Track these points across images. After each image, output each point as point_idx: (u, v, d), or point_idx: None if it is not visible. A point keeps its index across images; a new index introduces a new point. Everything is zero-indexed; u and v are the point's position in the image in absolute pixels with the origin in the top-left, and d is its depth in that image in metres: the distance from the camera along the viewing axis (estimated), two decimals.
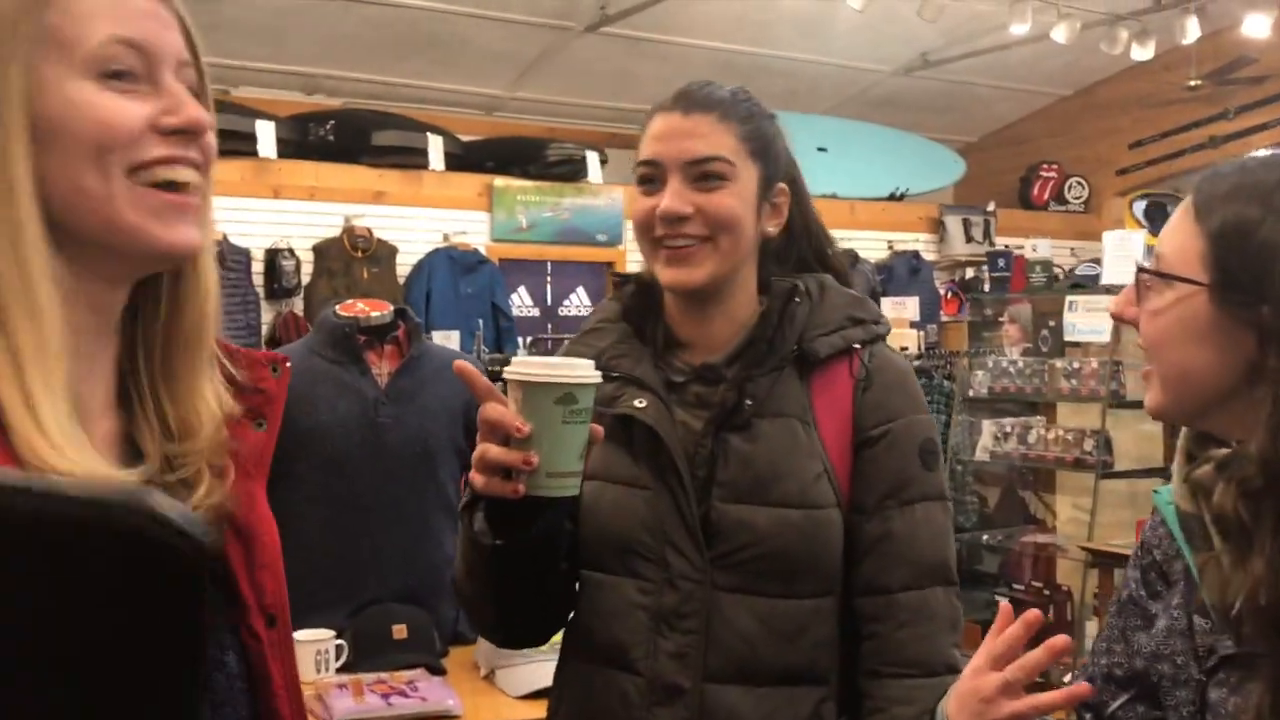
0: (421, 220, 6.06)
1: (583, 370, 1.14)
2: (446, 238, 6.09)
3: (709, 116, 1.35)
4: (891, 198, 6.90)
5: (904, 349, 6.30)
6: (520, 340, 6.25)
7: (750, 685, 1.30)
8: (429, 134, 5.97)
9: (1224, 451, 0.97)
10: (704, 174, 1.34)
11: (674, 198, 1.33)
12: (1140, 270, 1.02)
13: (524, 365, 1.14)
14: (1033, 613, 1.11)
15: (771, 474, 1.32)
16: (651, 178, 1.36)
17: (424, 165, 5.95)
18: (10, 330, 0.74)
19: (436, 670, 2.23)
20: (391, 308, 2.63)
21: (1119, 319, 1.05)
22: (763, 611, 1.30)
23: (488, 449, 1.14)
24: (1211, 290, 0.94)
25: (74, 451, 0.74)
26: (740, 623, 1.30)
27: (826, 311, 1.39)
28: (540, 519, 1.19)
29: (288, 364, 0.93)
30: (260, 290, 5.72)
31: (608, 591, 1.34)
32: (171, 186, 0.81)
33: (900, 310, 6.21)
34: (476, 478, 1.16)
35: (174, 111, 0.81)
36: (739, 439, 1.34)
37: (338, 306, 2.61)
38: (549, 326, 6.42)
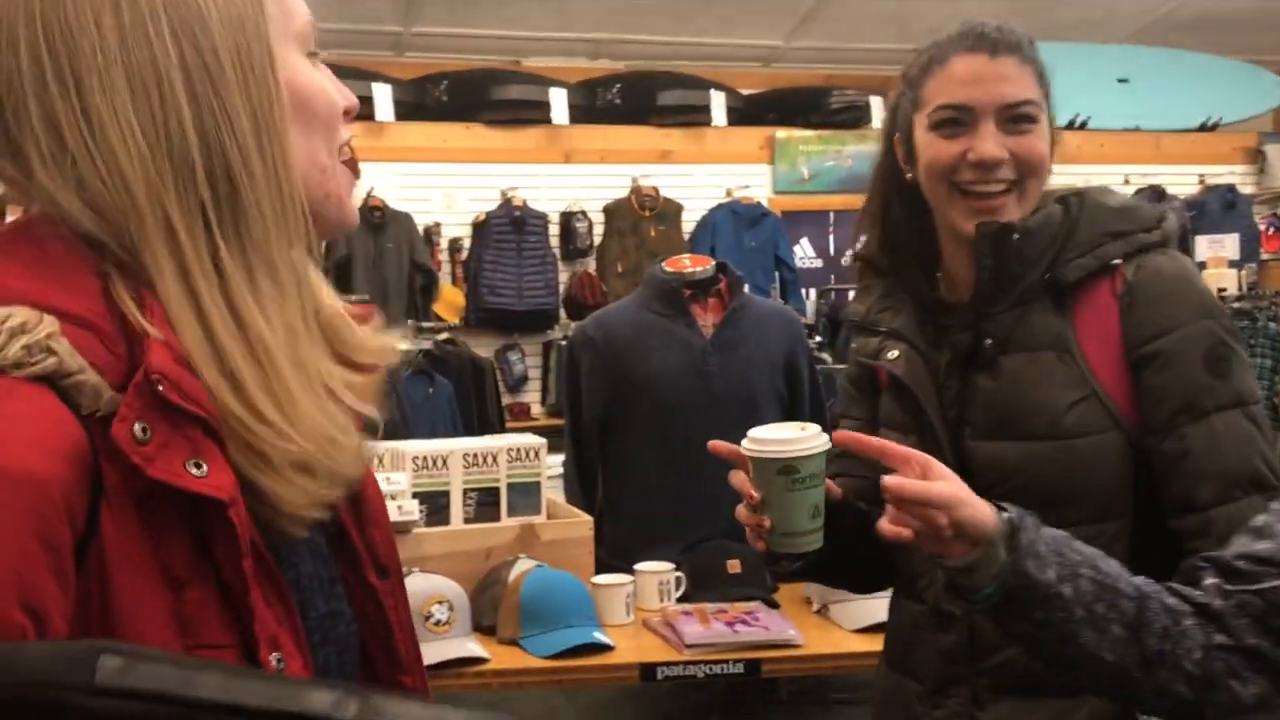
0: (705, 176, 6.19)
1: (806, 443, 1.23)
2: (729, 193, 6.19)
3: (1013, 58, 1.33)
4: (1202, 128, 6.42)
5: (1222, 290, 5.87)
6: (803, 292, 6.29)
7: None
8: (711, 90, 6.07)
9: None
10: (1015, 117, 1.32)
11: (990, 143, 1.32)
12: None
13: (758, 436, 1.26)
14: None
15: (1016, 409, 1.32)
16: (958, 121, 1.34)
17: (707, 122, 6.06)
18: (288, 300, 0.75)
19: (771, 604, 2.34)
20: (713, 262, 2.74)
21: None
22: None
23: (738, 509, 1.28)
24: None
25: (331, 438, 0.74)
26: None
27: (1084, 230, 1.35)
28: (807, 557, 1.30)
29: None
30: (557, 251, 6.03)
31: None
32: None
33: (1217, 249, 5.79)
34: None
35: (342, 92, 0.82)
36: (984, 377, 1.34)
37: (663, 263, 2.75)
38: (832, 277, 6.41)
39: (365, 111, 5.36)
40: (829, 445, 1.27)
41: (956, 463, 1.34)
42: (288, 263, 0.75)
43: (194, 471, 0.67)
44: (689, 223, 6.18)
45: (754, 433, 1.27)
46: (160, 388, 0.67)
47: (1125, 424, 1.31)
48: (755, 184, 6.20)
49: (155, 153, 0.70)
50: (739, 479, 1.29)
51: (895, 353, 1.42)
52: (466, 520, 2.39)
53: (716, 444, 1.29)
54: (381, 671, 0.88)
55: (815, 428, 1.28)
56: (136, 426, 0.66)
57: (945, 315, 1.40)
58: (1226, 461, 1.28)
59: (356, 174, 0.84)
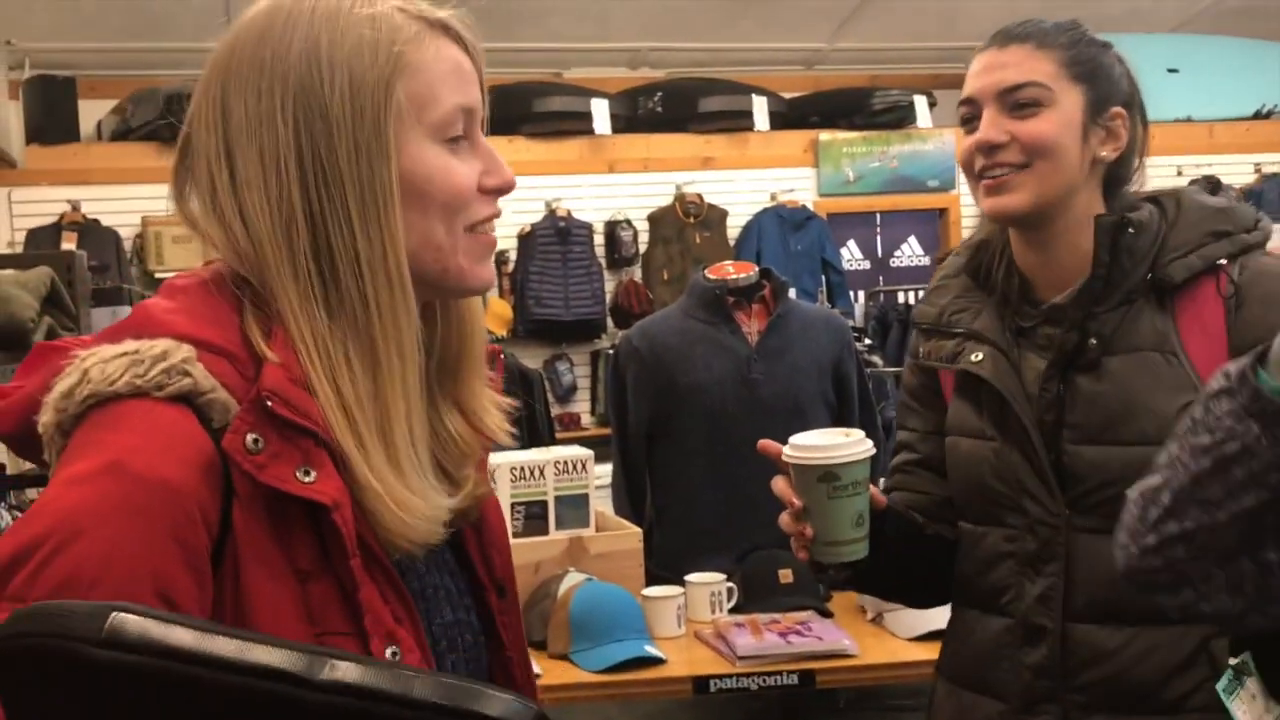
0: (748, 181, 6.17)
1: (847, 449, 1.21)
2: (774, 197, 6.16)
3: (1025, 46, 1.32)
4: (1257, 116, 6.28)
5: None
6: (852, 295, 6.24)
7: (1117, 624, 1.29)
8: (753, 95, 6.04)
9: None
10: (1018, 101, 1.30)
11: (988, 126, 1.31)
12: None
13: (799, 442, 1.25)
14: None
15: (1124, 412, 1.28)
16: (970, 116, 1.35)
17: (749, 127, 6.04)
18: (382, 370, 0.81)
19: (824, 613, 2.31)
20: (756, 268, 2.72)
21: None
22: None
23: (781, 516, 1.27)
24: None
25: (421, 490, 0.82)
26: (1102, 564, 1.25)
27: (1183, 230, 1.32)
28: (852, 566, 1.28)
29: (501, 356, 0.98)
30: (602, 261, 6.04)
31: (979, 540, 1.38)
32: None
33: (1275, 239, 5.66)
34: None
35: (493, 173, 0.87)
36: (1087, 379, 1.31)
37: (706, 270, 2.73)
38: (880, 279, 6.36)
39: None
40: (872, 452, 1.25)
41: (1052, 467, 1.31)
42: (394, 343, 0.82)
43: (302, 478, 0.76)
44: (734, 228, 6.16)
45: (795, 439, 1.26)
46: (270, 403, 0.76)
47: None
48: (800, 187, 6.16)
49: (275, 221, 0.81)
50: (780, 486, 1.28)
51: (979, 354, 1.37)
52: (515, 534, 2.39)
53: (765, 443, 1.28)
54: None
55: (859, 433, 1.26)
56: (249, 437, 0.76)
57: (1026, 317, 1.37)
58: None
59: (490, 246, 0.90)
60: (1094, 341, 1.31)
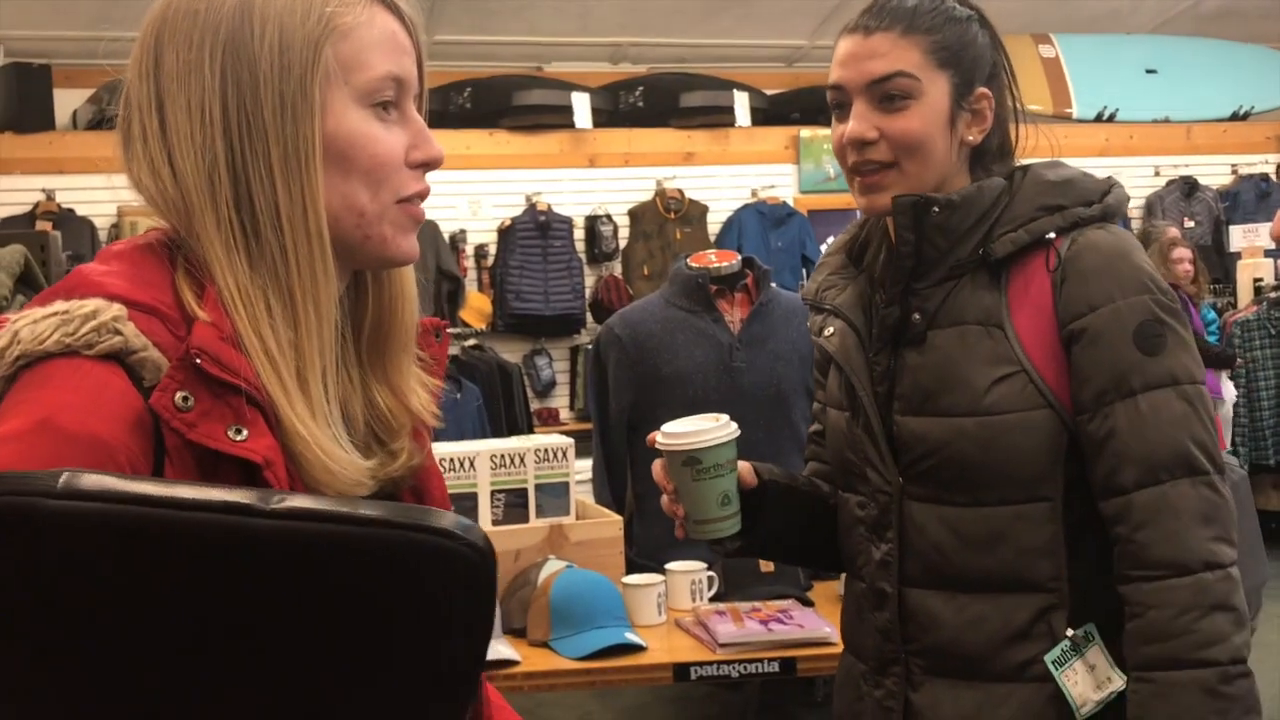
0: (729, 177, 6.17)
1: (707, 435, 1.30)
2: (755, 193, 6.17)
3: (891, 33, 1.30)
4: (1234, 117, 6.33)
5: (1258, 280, 5.79)
6: None
7: (949, 591, 1.32)
8: (734, 91, 6.05)
9: None
10: (886, 94, 1.29)
11: (857, 121, 1.29)
12: None
13: (668, 429, 1.32)
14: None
15: (939, 385, 1.31)
16: (840, 103, 1.33)
17: (730, 123, 6.04)
18: (299, 324, 0.82)
19: (805, 601, 2.30)
20: (739, 257, 2.71)
21: None
22: (951, 519, 1.31)
23: (661, 498, 1.36)
24: None
25: (339, 447, 0.84)
26: (930, 531, 1.32)
27: (1018, 205, 1.31)
28: (723, 542, 1.37)
29: (448, 329, 0.99)
30: (582, 256, 6.02)
31: (843, 507, 1.43)
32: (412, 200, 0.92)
33: (1252, 238, 5.69)
34: None
35: (421, 146, 0.88)
36: (912, 352, 1.33)
37: (689, 259, 2.72)
38: None
39: None
40: (734, 435, 1.31)
41: (885, 438, 1.35)
42: (311, 297, 0.83)
43: (234, 436, 0.77)
44: (714, 224, 6.16)
45: (666, 427, 1.34)
46: (199, 361, 0.77)
47: (1056, 402, 1.28)
48: (780, 184, 6.17)
49: (199, 171, 0.83)
50: (656, 470, 1.35)
51: (831, 330, 1.41)
52: (495, 522, 2.37)
53: (650, 437, 1.35)
54: None
55: (724, 418, 1.33)
56: (178, 395, 0.76)
57: (883, 291, 1.38)
58: (1152, 443, 1.23)
59: (417, 219, 0.90)
60: (917, 316, 1.32)
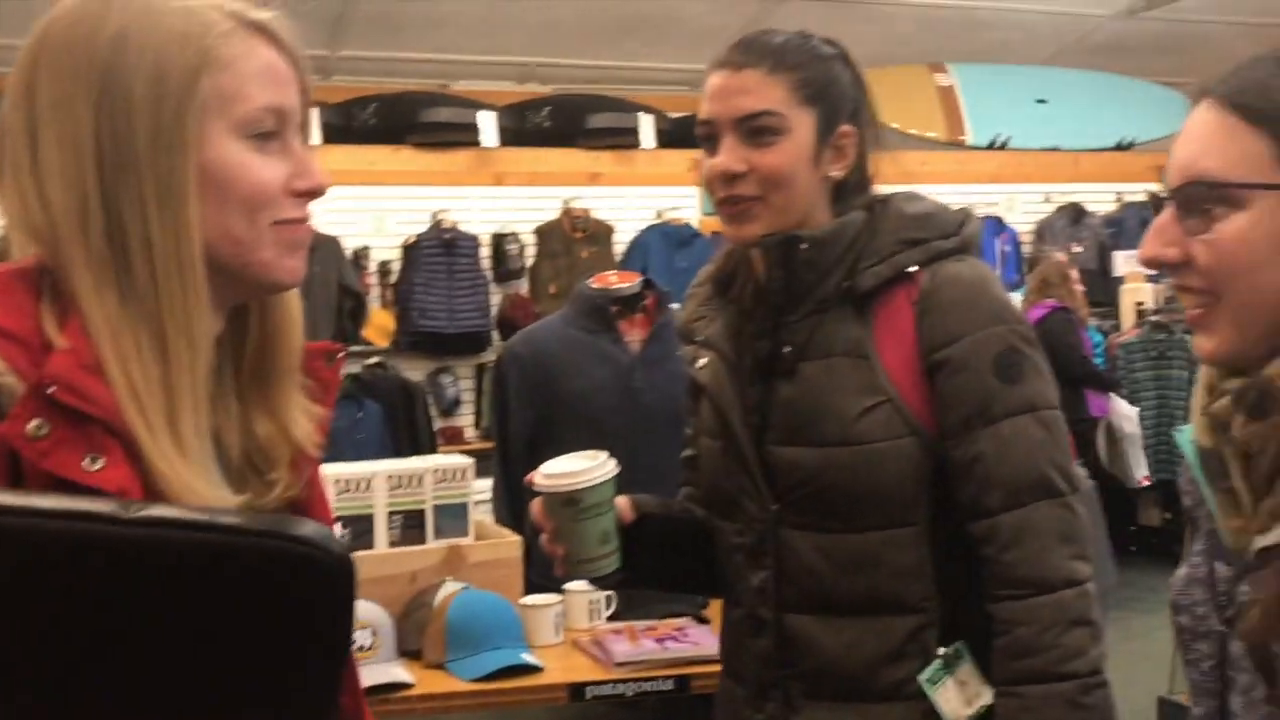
0: (635, 198, 6.22)
1: (587, 475, 1.31)
2: (660, 214, 6.22)
3: (758, 71, 1.33)
4: (1119, 147, 6.60)
5: (1140, 304, 6.03)
6: None
7: (826, 615, 1.35)
8: (640, 114, 6.10)
9: (1241, 380, 0.88)
10: (754, 129, 1.32)
11: (726, 156, 1.33)
12: (1203, 187, 0.85)
13: (547, 470, 1.33)
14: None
15: (811, 415, 1.35)
16: (709, 136, 1.35)
17: (636, 144, 6.09)
18: (171, 358, 0.82)
19: (701, 619, 2.33)
20: (640, 278, 2.74)
21: (1159, 263, 0.89)
22: (826, 546, 1.34)
23: (540, 538, 1.37)
24: None
25: (208, 480, 0.84)
26: (807, 557, 1.35)
27: (880, 238, 1.36)
28: (604, 580, 1.39)
29: (341, 354, 1.01)
30: (489, 274, 6.00)
31: (719, 535, 1.46)
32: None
33: (1134, 264, 5.93)
34: None
35: (303, 176, 0.89)
36: (784, 384, 1.37)
37: (590, 280, 2.74)
38: None
39: None
40: (612, 474, 1.33)
41: (760, 467, 1.37)
42: (183, 331, 0.83)
43: (89, 466, 0.76)
44: (620, 244, 6.20)
45: (544, 467, 1.34)
46: (51, 390, 0.76)
47: (922, 430, 1.33)
48: (685, 205, 6.23)
49: (70, 202, 0.82)
50: (534, 510, 1.35)
51: (704, 361, 1.44)
52: (392, 543, 2.35)
53: (528, 477, 1.35)
54: None
55: (603, 455, 1.34)
56: (31, 424, 0.75)
57: (752, 323, 1.41)
58: (1015, 467, 1.30)
59: (299, 241, 0.91)
60: (788, 349, 1.36)
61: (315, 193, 0.91)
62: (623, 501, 1.38)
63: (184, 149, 0.83)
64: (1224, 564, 0.94)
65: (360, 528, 2.32)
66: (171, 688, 0.62)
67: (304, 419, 0.95)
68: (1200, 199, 0.86)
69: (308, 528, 0.64)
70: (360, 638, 2.08)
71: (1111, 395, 5.45)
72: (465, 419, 6.04)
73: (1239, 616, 0.89)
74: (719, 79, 1.36)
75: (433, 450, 5.12)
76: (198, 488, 0.81)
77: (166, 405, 0.81)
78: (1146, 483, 5.52)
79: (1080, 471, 1.35)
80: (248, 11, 0.88)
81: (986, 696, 1.32)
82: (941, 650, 1.33)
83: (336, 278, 5.61)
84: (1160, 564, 4.33)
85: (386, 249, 5.96)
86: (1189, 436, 0.96)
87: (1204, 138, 0.88)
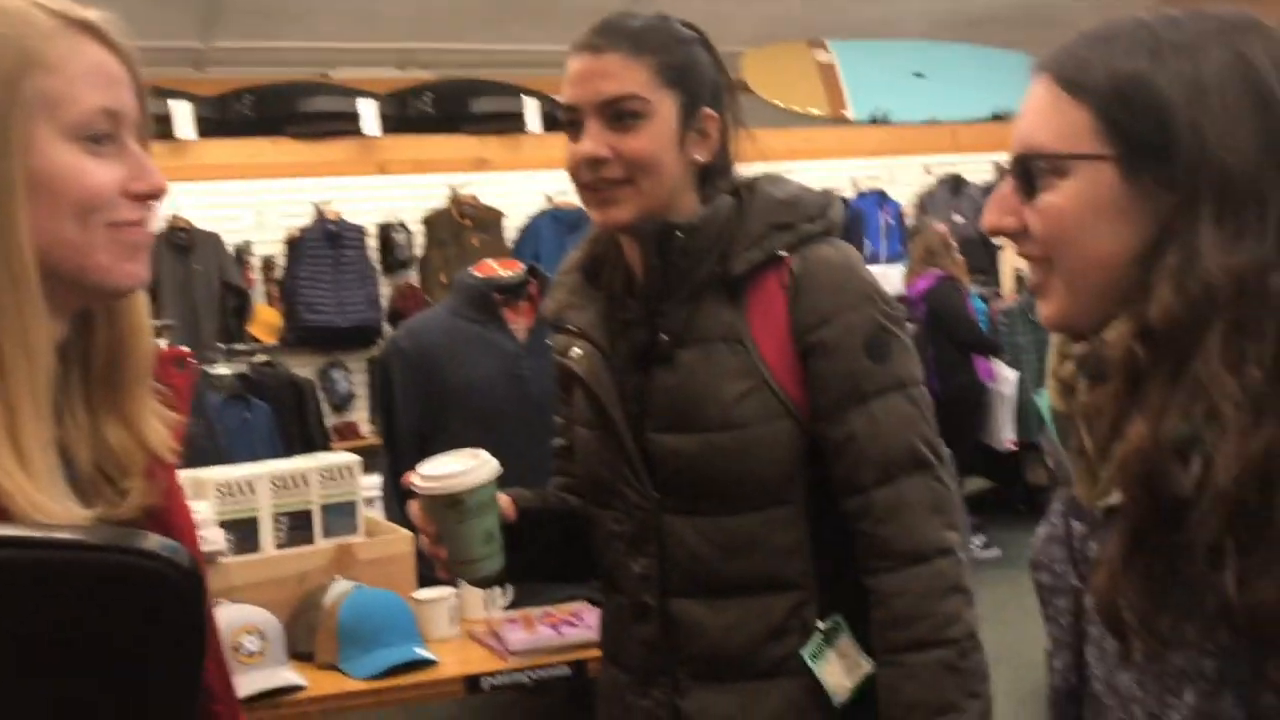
0: (524, 184, 6.17)
1: (469, 476, 1.27)
2: (549, 199, 6.19)
3: (619, 53, 1.33)
4: (995, 118, 6.76)
5: (1019, 271, 6.20)
6: None
7: (710, 598, 1.37)
8: (524, 97, 6.05)
9: (1084, 345, 0.90)
10: (618, 113, 1.32)
11: (591, 141, 1.32)
12: (1034, 158, 0.88)
13: (426, 471, 1.29)
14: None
15: (690, 402, 1.35)
16: (573, 121, 1.35)
17: (522, 129, 6.04)
18: (7, 370, 0.80)
19: (597, 603, 2.33)
20: (523, 266, 2.73)
21: (1001, 232, 0.92)
22: (708, 529, 1.36)
23: (419, 538, 1.35)
24: (1120, 161, 0.85)
25: (53, 494, 0.81)
26: (689, 541, 1.37)
27: (750, 223, 1.37)
28: (487, 580, 1.38)
29: (192, 359, 1.00)
30: (377, 265, 5.91)
31: (596, 524, 1.46)
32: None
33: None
34: None
35: (141, 178, 0.87)
36: (662, 371, 1.37)
37: (473, 268, 2.72)
38: None
39: (164, 130, 5.13)
40: (495, 474, 1.31)
41: (640, 455, 1.38)
42: (19, 342, 0.80)
43: None
44: (511, 230, 6.15)
45: (423, 467, 1.30)
46: None
47: (796, 411, 1.35)
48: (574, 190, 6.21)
49: None
50: (414, 512, 1.33)
51: (579, 351, 1.43)
52: (279, 546, 2.31)
53: (405, 478, 1.32)
54: None
55: (483, 454, 1.31)
56: None
57: (628, 311, 1.41)
58: (887, 444, 1.33)
59: (137, 243, 0.88)
60: (664, 336, 1.37)
61: (153, 195, 0.89)
62: (504, 499, 1.36)
63: (8, 154, 0.81)
64: (1079, 522, 0.97)
65: (245, 531, 2.27)
66: (14, 707, 0.61)
67: (158, 425, 0.93)
68: (1033, 170, 0.90)
69: (152, 541, 0.63)
70: (248, 642, 2.04)
71: (994, 360, 5.62)
72: (360, 414, 5.95)
73: (1091, 572, 0.92)
74: (580, 63, 1.35)
75: (326, 448, 5.03)
76: (42, 503, 0.79)
77: (6, 418, 0.79)
78: (1013, 446, 5.67)
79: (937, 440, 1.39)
80: (72, 10, 0.85)
81: (866, 666, 1.35)
82: (821, 625, 1.36)
83: (219, 275, 5.46)
84: None
85: (269, 243, 5.82)
86: (1046, 400, 0.98)
87: (1037, 111, 0.91)
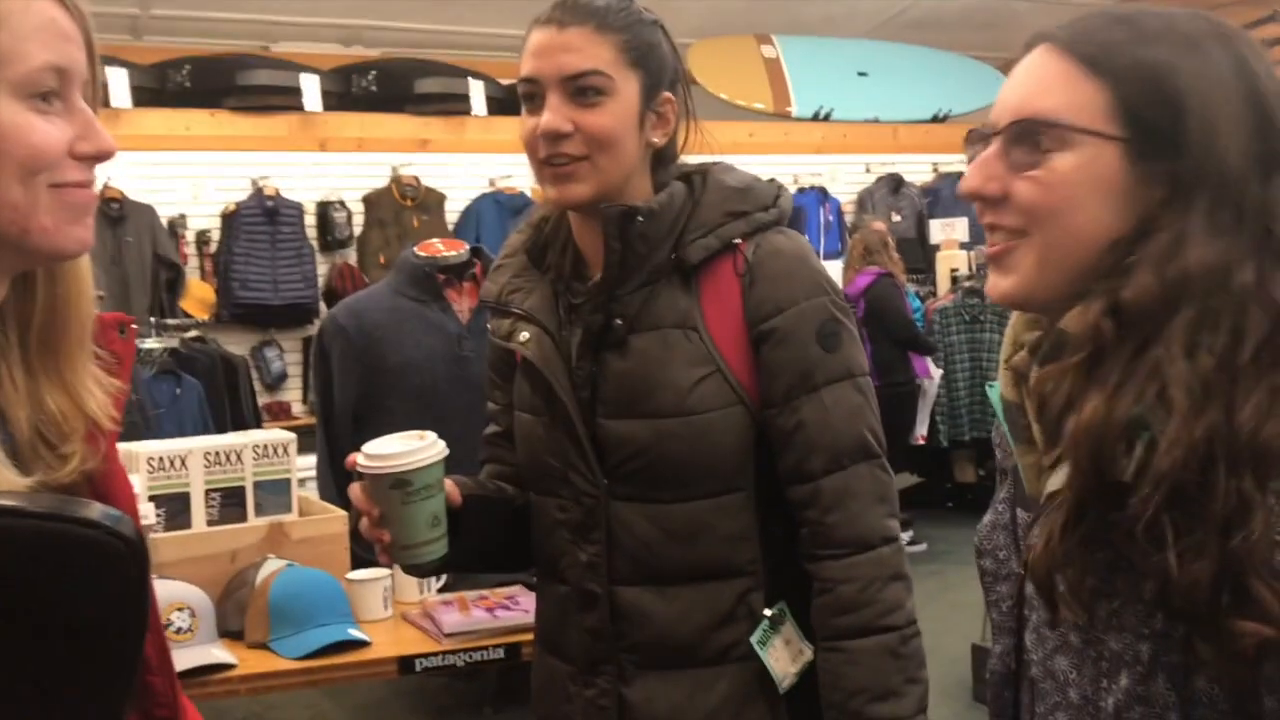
0: (466, 166, 6.12)
1: (418, 455, 1.24)
2: (492, 182, 6.15)
3: (585, 28, 1.31)
4: (935, 119, 6.86)
5: (954, 270, 6.31)
6: None
7: (659, 585, 1.37)
8: (470, 79, 6.00)
9: (1038, 334, 0.92)
10: (581, 89, 1.30)
11: (553, 115, 1.30)
12: (1040, 125, 0.87)
13: (372, 450, 1.25)
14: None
15: (644, 388, 1.34)
16: (532, 95, 1.32)
17: (467, 111, 6.00)
18: None
19: (532, 587, 2.33)
20: (467, 246, 2.71)
21: (981, 197, 0.90)
22: (657, 516, 1.35)
23: (360, 524, 1.30)
24: (1128, 144, 0.85)
25: None
26: (638, 529, 1.36)
27: (705, 211, 1.37)
28: (431, 565, 1.33)
29: (134, 326, 0.99)
30: (314, 243, 5.83)
31: (539, 511, 1.44)
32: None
33: (949, 231, 6.21)
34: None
35: (88, 138, 0.86)
36: (614, 357, 1.36)
37: (416, 247, 2.69)
38: None
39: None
40: (443, 454, 1.28)
41: (590, 441, 1.36)
42: None
43: None
44: (453, 213, 6.11)
45: (368, 447, 1.27)
46: None
47: (747, 399, 1.35)
48: (517, 174, 6.18)
49: None
50: (355, 494, 1.29)
51: (526, 335, 1.40)
52: (210, 522, 2.27)
53: (349, 459, 1.29)
54: None
55: (431, 436, 1.28)
56: None
57: (576, 295, 1.39)
58: (836, 432, 1.34)
59: (82, 205, 0.86)
60: (619, 321, 1.36)
61: (100, 156, 0.87)
62: (450, 485, 1.33)
63: None
64: (1024, 510, 0.98)
65: (176, 507, 2.23)
66: None
67: (98, 391, 0.91)
68: (1032, 136, 0.88)
69: (94, 510, 0.62)
70: (177, 619, 2.01)
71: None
72: (292, 393, 5.87)
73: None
74: (543, 36, 1.32)
75: (258, 426, 4.96)
76: None
77: None
78: (923, 441, 5.79)
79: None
80: None
81: (808, 653, 1.36)
82: (767, 611, 1.37)
83: (151, 248, 5.35)
84: (975, 519, 4.57)
85: (205, 217, 5.72)
86: (998, 391, 0.99)
87: (1042, 79, 0.89)
